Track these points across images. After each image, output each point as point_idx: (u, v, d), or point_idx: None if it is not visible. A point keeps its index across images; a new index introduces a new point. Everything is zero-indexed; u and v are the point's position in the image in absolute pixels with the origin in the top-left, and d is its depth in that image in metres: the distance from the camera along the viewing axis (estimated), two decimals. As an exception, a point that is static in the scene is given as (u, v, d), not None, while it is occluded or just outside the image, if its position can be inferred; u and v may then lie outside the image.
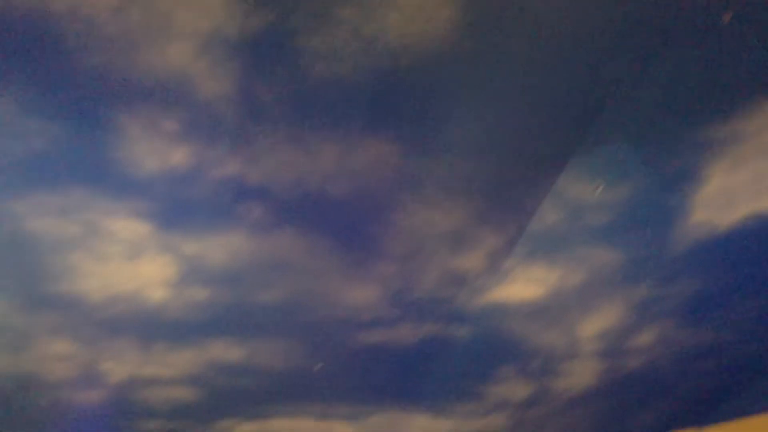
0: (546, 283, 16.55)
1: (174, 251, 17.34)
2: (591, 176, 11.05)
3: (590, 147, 11.00)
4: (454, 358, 22.78)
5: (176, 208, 13.99)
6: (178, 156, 12.93)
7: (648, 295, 15.53)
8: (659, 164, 11.20)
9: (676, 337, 16.29)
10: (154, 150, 12.49)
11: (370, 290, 20.59)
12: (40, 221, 14.58)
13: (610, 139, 10.92)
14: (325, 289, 21.11)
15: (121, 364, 23.28)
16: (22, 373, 22.63)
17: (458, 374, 23.21)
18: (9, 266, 16.99)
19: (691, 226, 12.79)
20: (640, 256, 13.84)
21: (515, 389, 23.23)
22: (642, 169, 10.34)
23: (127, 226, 15.10)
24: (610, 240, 13.65)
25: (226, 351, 23.39)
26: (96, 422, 25.64)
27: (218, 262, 18.36)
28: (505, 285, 16.93)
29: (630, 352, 18.36)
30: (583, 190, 12.01)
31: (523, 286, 16.83)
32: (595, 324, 17.58)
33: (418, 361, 23.34)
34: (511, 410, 24.67)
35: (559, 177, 11.82)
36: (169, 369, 23.43)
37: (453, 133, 13.73)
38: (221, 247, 17.03)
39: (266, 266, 18.92)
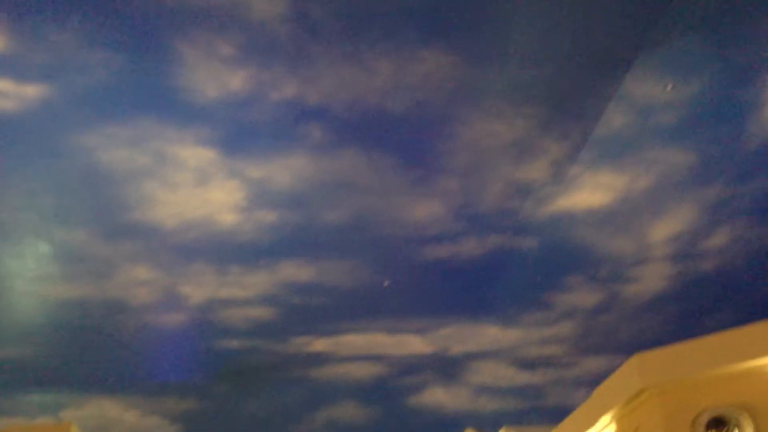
0: (614, 189, 16.24)
1: (240, 176, 17.68)
2: (659, 74, 10.58)
3: (657, 42, 10.49)
4: (522, 268, 22.77)
5: (239, 132, 14.18)
6: (237, 81, 12.96)
7: (721, 195, 15.06)
8: (732, 56, 10.62)
9: (751, 236, 15.81)
10: (214, 76, 12.54)
11: (434, 205, 20.61)
12: (111, 153, 15.04)
13: (679, 32, 10.37)
14: (390, 207, 21.23)
15: (199, 288, 24.23)
16: (108, 299, 23.86)
17: (526, 284, 23.25)
18: (87, 199, 17.72)
19: (766, 120, 12.20)
20: (713, 155, 13.36)
21: (584, 297, 23.18)
22: (714, 62, 9.83)
23: (194, 154, 15.43)
24: (680, 140, 13.20)
25: (297, 271, 24.00)
26: (180, 343, 27.00)
27: (284, 185, 18.66)
28: (572, 193, 16.70)
29: (703, 254, 18.02)
30: (651, 90, 11.54)
31: (589, 193, 16.57)
32: (666, 228, 17.25)
33: (485, 273, 23.45)
34: (580, 318, 24.71)
35: (624, 77, 11.38)
36: (244, 290, 24.28)
37: (511, 40, 13.29)
38: (285, 170, 17.25)
39: (330, 186, 19.12)
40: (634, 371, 4.29)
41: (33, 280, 21.51)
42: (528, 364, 29.11)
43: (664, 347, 4.36)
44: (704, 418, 3.95)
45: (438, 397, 31.00)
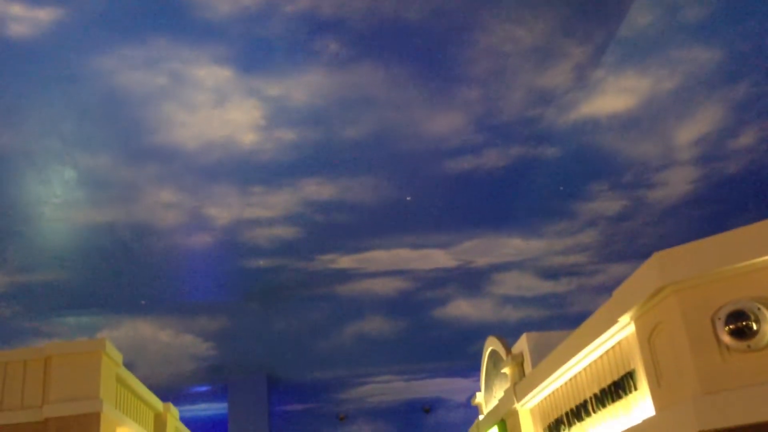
0: (638, 92, 15.86)
1: (258, 94, 17.50)
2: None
3: (684, -67, 10.00)
4: (544, 178, 22.61)
5: (254, 49, 13.94)
6: (249, -7, 12.61)
7: (749, 94, 14.65)
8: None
9: (780, 135, 15.42)
10: (225, -11, 12.18)
11: (455, 117, 20.35)
12: (128, 76, 14.92)
13: None
14: (410, 121, 21.01)
15: (224, 209, 24.49)
16: (136, 222, 24.22)
17: (549, 194, 23.15)
18: (107, 123, 17.73)
19: (798, 13, 11.68)
20: (741, 52, 12.90)
21: (608, 204, 23.06)
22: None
23: (210, 73, 15.25)
24: (707, 37, 12.74)
25: (320, 189, 24.07)
26: (208, 264, 27.50)
27: (301, 102, 18.46)
28: (595, 98, 16.36)
29: (729, 156, 17.74)
30: (678, -16, 11.06)
31: (613, 97, 16.22)
32: (692, 130, 16.94)
33: (507, 184, 23.36)
34: (604, 225, 24.67)
35: (650, -27, 10.90)
36: (268, 210, 24.48)
37: (529, -62, 12.73)
38: (303, 87, 17.02)
39: (349, 102, 18.90)
40: (654, 269, 4.28)
41: (61, 206, 21.91)
42: (551, 274, 29.40)
43: (684, 245, 4.33)
44: (724, 313, 3.95)
45: (462, 309, 31.59)
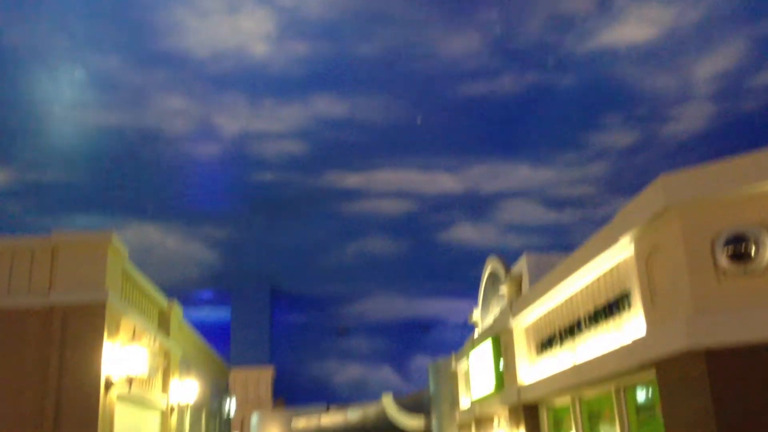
0: (660, 23, 15.48)
1: (271, 3, 17.08)
2: None
3: None
4: (558, 107, 22.28)
5: (269, -46, 13.53)
6: None
7: (774, 29, 14.22)
8: None
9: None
10: None
11: (471, 39, 19.86)
12: (140, -25, 14.55)
13: None
14: (425, 40, 20.54)
15: (233, 119, 24.32)
16: (144, 127, 24.13)
17: (561, 123, 22.88)
18: (118, 24, 17.41)
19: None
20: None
21: (620, 136, 22.82)
22: None
23: (223, -23, 14.83)
24: (737, -32, 12.31)
25: (330, 106, 23.81)
26: (215, 174, 27.55)
27: (315, 14, 18.02)
28: (616, 27, 15.97)
29: (748, 93, 17.42)
30: None
31: (634, 27, 15.84)
32: (711, 65, 16.59)
33: (520, 111, 23.06)
34: (615, 158, 24.47)
35: None
36: (277, 123, 24.31)
37: None
38: (317, -3, 16.53)
39: (363, 17, 18.44)
40: (659, 190, 4.29)
41: (70, 107, 21.87)
42: (557, 204, 29.51)
43: (691, 168, 4.32)
44: (724, 236, 3.97)
45: (466, 233, 31.87)
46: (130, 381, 5.94)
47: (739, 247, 3.89)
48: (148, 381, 7.48)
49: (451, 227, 30.70)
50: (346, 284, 32.25)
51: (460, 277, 26.82)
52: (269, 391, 31.37)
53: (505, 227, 29.49)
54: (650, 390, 5.07)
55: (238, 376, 27.43)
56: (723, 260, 3.97)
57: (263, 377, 31.43)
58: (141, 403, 7.34)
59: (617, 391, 5.56)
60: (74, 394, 5.67)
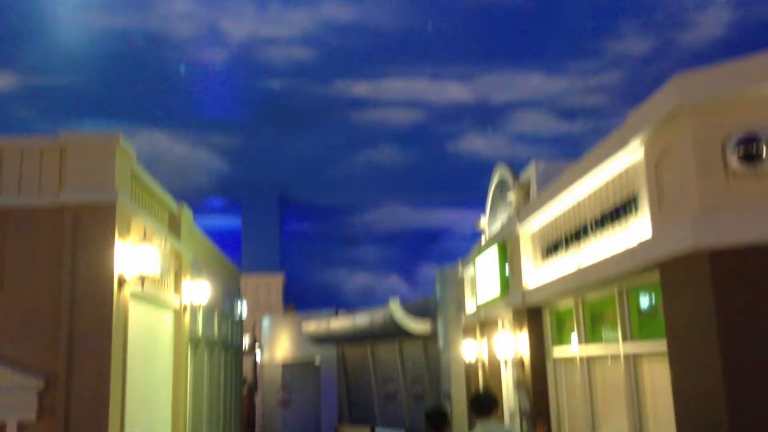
0: None
1: None
2: None
3: None
4: (573, 13, 21.59)
5: None
6: None
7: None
8: None
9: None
10: None
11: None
12: None
13: None
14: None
15: (240, 24, 23.81)
16: (150, 30, 23.68)
17: (576, 30, 22.24)
18: None
19: None
20: None
21: (636, 44, 22.22)
22: None
23: None
24: None
25: (339, 10, 23.18)
26: (223, 80, 27.21)
27: None
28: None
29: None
30: None
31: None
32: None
33: (534, 17, 22.39)
34: (630, 66, 23.91)
35: None
36: (285, 29, 23.76)
37: None
38: None
39: None
40: (672, 90, 4.20)
41: (76, 8, 21.36)
42: (569, 114, 29.12)
43: (706, 68, 4.22)
44: (736, 137, 3.92)
45: (475, 144, 31.67)
46: (142, 279, 6.08)
47: (750, 148, 3.85)
48: (160, 281, 7.66)
49: (461, 137, 30.45)
50: (354, 194, 32.36)
51: (469, 187, 26.76)
52: (280, 297, 32.23)
53: (516, 138, 29.22)
54: (653, 293, 5.14)
55: (249, 281, 28.02)
56: (733, 161, 3.93)
57: (274, 283, 32.19)
58: (154, 302, 7.54)
59: (620, 293, 5.65)
60: (88, 291, 5.82)
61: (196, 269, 9.66)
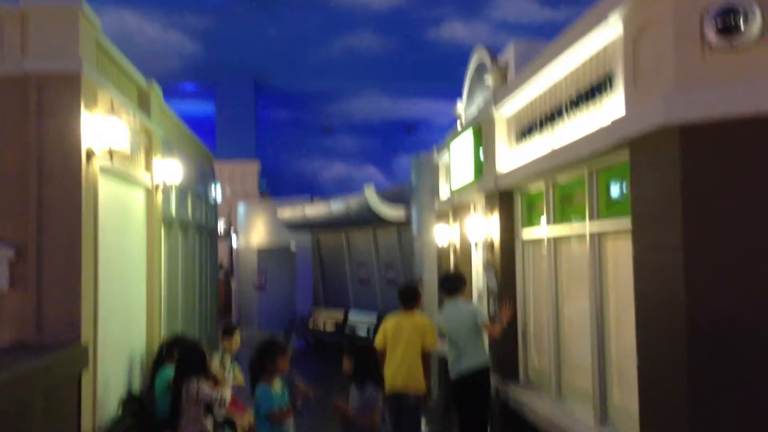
0: None
1: None
2: None
3: None
4: None
5: None
6: None
7: None
8: None
9: None
10: None
11: None
12: None
13: None
14: None
15: None
16: None
17: None
18: None
19: None
20: None
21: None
22: None
23: None
24: None
25: None
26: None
27: None
28: None
29: None
30: None
31: None
32: None
33: None
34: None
35: None
36: None
37: None
38: None
39: None
40: (655, -38, 4.10)
41: None
42: (552, 1, 28.36)
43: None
44: (714, 8, 3.85)
45: (456, 31, 31.00)
46: (111, 153, 5.99)
47: (728, 20, 3.78)
48: (130, 158, 7.56)
49: (441, 24, 29.69)
50: (331, 81, 31.81)
51: (448, 77, 26.36)
52: (255, 185, 32.24)
53: (498, 25, 28.55)
54: (622, 173, 5.19)
55: (224, 168, 27.86)
56: (711, 34, 3.87)
57: (249, 171, 32.08)
58: (125, 178, 7.48)
59: (590, 174, 5.70)
60: (55, 163, 5.74)
61: (168, 148, 9.54)
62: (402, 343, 7.35)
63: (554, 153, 6.03)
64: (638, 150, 4.52)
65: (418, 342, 7.30)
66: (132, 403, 7.23)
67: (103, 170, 6.41)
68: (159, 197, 8.78)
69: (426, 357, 7.31)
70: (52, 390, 5.14)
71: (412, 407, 7.35)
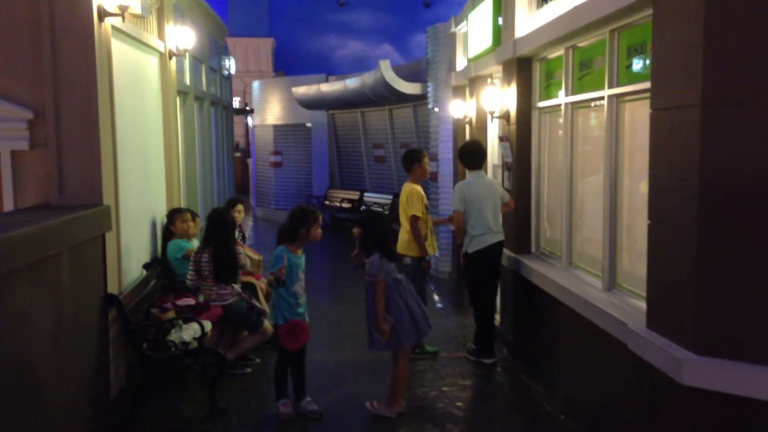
0: None
1: None
2: None
3: None
4: None
5: None
6: None
7: None
8: None
9: None
10: None
11: None
12: None
13: None
14: None
15: None
16: None
17: None
18: None
19: None
20: None
21: None
22: None
23: None
24: None
25: None
26: None
27: None
28: None
29: None
30: None
31: None
32: None
33: None
34: None
35: None
36: None
37: None
38: None
39: None
40: None
41: None
42: None
43: None
44: None
45: None
46: (123, 10, 5.87)
47: None
48: (142, 21, 7.44)
49: None
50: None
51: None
52: (270, 63, 31.59)
53: None
54: (643, 33, 5.05)
55: (237, 44, 27.29)
56: None
57: (263, 47, 31.30)
58: (137, 43, 7.38)
59: (611, 35, 5.56)
60: (68, 20, 5.65)
61: (180, 14, 9.34)
62: (402, 212, 7.88)
63: (575, 12, 5.85)
64: (662, 3, 4.39)
65: (406, 209, 7.78)
66: (154, 266, 7.51)
67: (116, 31, 6.32)
68: (173, 65, 8.70)
69: (410, 222, 7.74)
70: (78, 247, 5.30)
71: (411, 270, 7.81)
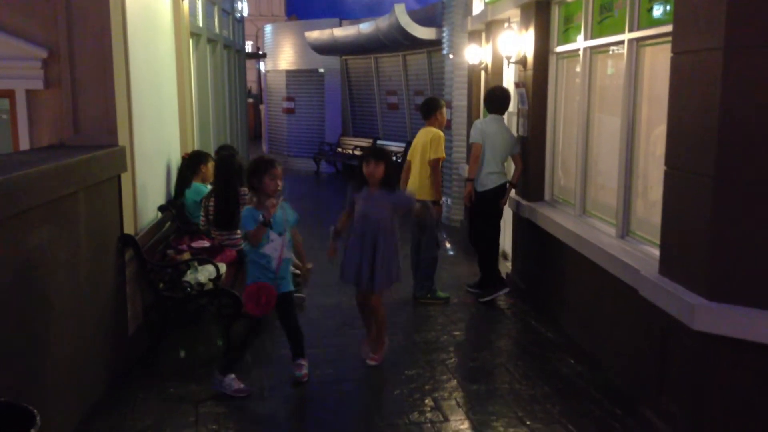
0: None
1: None
2: None
3: None
4: None
5: None
6: None
7: None
8: None
9: None
10: None
11: None
12: None
13: None
14: None
15: None
16: None
17: None
18: None
19: None
20: None
21: None
22: None
23: None
24: None
25: None
26: None
27: None
28: None
29: None
30: None
31: None
32: None
33: None
34: None
35: None
36: None
37: None
38: None
39: None
40: None
41: None
42: None
43: None
44: None
45: None
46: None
47: None
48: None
49: None
50: None
51: None
52: (282, 6, 31.13)
53: None
54: (668, -25, 4.92)
55: (250, -12, 26.91)
56: None
57: (276, -9, 30.97)
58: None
59: (634, -24, 5.43)
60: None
61: (191, -47, 9.18)
62: (417, 156, 7.85)
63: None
64: (687, -56, 4.27)
65: (427, 154, 7.75)
66: (169, 208, 7.55)
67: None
68: (186, 6, 8.59)
69: (431, 165, 7.71)
70: (94, 187, 5.33)
71: (421, 219, 7.86)
